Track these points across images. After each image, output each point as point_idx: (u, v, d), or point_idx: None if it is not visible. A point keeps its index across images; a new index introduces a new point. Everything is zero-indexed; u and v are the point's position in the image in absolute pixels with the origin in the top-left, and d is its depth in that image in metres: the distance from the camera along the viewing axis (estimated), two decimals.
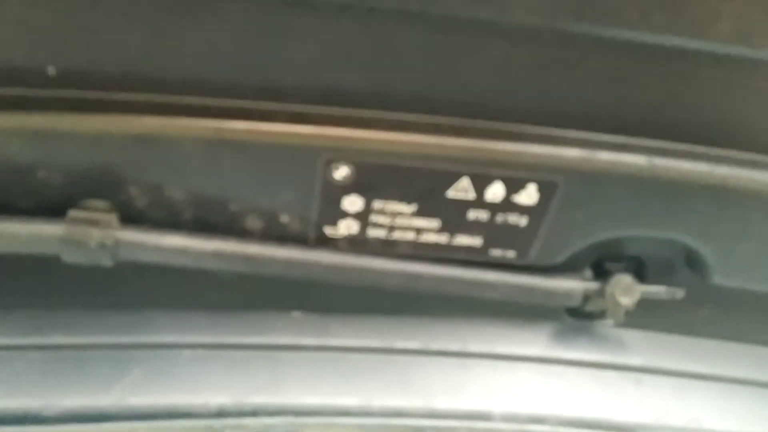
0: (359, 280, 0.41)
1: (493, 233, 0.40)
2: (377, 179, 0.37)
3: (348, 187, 0.37)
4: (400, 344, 0.45)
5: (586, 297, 0.44)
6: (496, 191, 0.38)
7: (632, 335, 0.49)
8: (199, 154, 0.35)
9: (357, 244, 0.40)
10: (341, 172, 0.37)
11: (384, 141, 0.36)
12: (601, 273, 0.44)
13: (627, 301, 0.43)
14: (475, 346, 0.46)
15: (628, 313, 0.45)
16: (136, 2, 0.31)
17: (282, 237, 0.39)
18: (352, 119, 0.35)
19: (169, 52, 0.33)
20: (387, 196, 0.38)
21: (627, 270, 0.44)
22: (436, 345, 0.46)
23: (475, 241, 0.41)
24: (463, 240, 0.41)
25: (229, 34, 0.32)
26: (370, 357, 0.45)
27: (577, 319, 0.48)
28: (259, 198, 0.38)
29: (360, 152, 0.36)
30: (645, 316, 0.47)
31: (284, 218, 0.39)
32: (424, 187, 0.38)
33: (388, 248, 0.41)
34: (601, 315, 0.46)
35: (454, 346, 0.46)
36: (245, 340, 0.44)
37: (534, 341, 0.47)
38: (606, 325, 0.48)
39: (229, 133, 0.35)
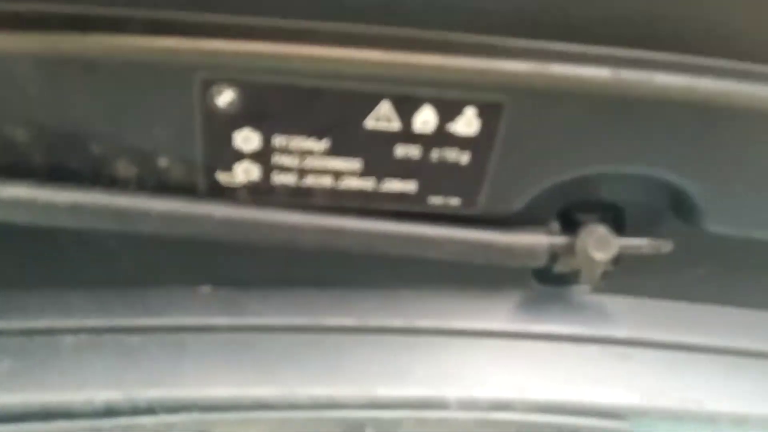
0: (265, 239, 0.35)
1: (430, 175, 0.34)
2: (273, 106, 0.31)
3: (237, 118, 0.31)
4: (331, 321, 0.41)
5: (554, 254, 0.39)
6: (426, 118, 0.32)
7: (616, 302, 0.45)
8: (38, 77, 0.29)
9: (261, 193, 0.34)
10: (225, 98, 0.30)
11: (276, 54, 0.30)
12: (571, 225, 0.39)
13: (602, 256, 0.38)
14: (423, 321, 0.42)
15: (609, 276, 0.40)
16: None
17: (165, 186, 0.33)
18: (234, 27, 0.29)
19: None
20: (290, 130, 0.32)
21: (602, 220, 0.39)
22: (375, 321, 0.42)
23: (408, 186, 0.34)
24: (394, 185, 0.34)
25: None
26: (295, 338, 0.41)
27: (548, 285, 0.43)
28: (125, 136, 0.32)
29: (246, 70, 0.30)
30: (630, 280, 0.44)
31: (163, 162, 0.32)
32: (335, 115, 0.32)
33: (301, 198, 0.34)
34: (575, 278, 0.40)
35: (398, 322, 0.42)
36: (140, 322, 0.39)
37: (496, 313, 0.44)
38: (583, 292, 0.44)
39: (73, 48, 0.28)
